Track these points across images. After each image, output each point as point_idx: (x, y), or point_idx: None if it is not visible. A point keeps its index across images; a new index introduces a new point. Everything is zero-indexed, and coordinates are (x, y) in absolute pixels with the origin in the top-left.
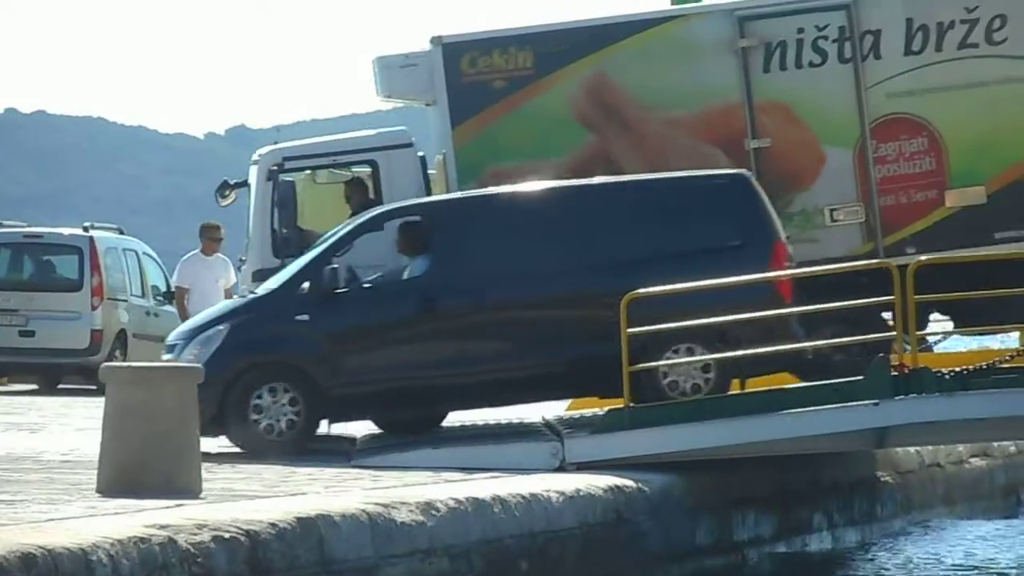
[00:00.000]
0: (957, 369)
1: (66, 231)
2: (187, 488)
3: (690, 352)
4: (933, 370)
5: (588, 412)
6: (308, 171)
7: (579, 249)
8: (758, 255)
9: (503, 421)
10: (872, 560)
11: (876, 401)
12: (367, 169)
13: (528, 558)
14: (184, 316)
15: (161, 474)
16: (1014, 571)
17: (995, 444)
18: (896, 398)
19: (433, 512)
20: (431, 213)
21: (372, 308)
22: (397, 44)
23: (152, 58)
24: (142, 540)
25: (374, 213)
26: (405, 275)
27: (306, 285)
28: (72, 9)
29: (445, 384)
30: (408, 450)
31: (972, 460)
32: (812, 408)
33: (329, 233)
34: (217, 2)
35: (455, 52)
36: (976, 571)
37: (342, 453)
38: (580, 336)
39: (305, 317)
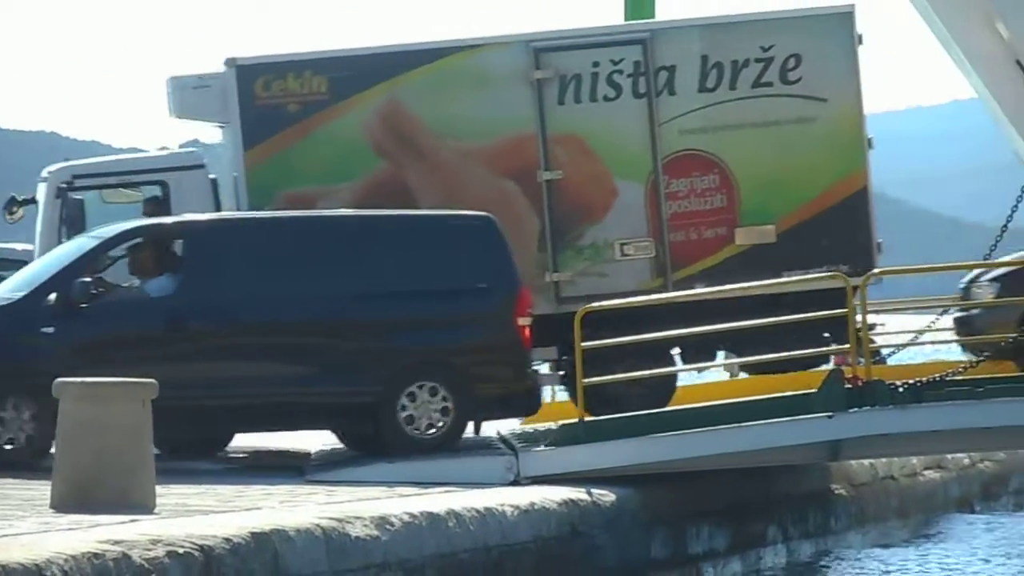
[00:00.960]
0: (911, 381)
1: (19, 247)
2: (141, 503)
3: (433, 391)
4: (887, 382)
5: (543, 426)
6: (98, 189)
7: (326, 278)
8: (505, 300)
9: None
10: (828, 572)
11: (830, 414)
12: (159, 190)
13: (483, 572)
14: None
15: (115, 489)
16: None
17: (949, 456)
18: (850, 411)
19: (388, 526)
20: (183, 232)
21: (119, 324)
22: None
23: (106, 72)
24: (96, 556)
25: (122, 228)
26: (154, 293)
27: (52, 297)
28: (23, 25)
29: (190, 406)
30: (363, 465)
31: (926, 473)
32: (767, 421)
33: (75, 246)
34: (171, 17)
35: (249, 75)
36: None
37: (297, 468)
38: (318, 367)
39: (50, 329)
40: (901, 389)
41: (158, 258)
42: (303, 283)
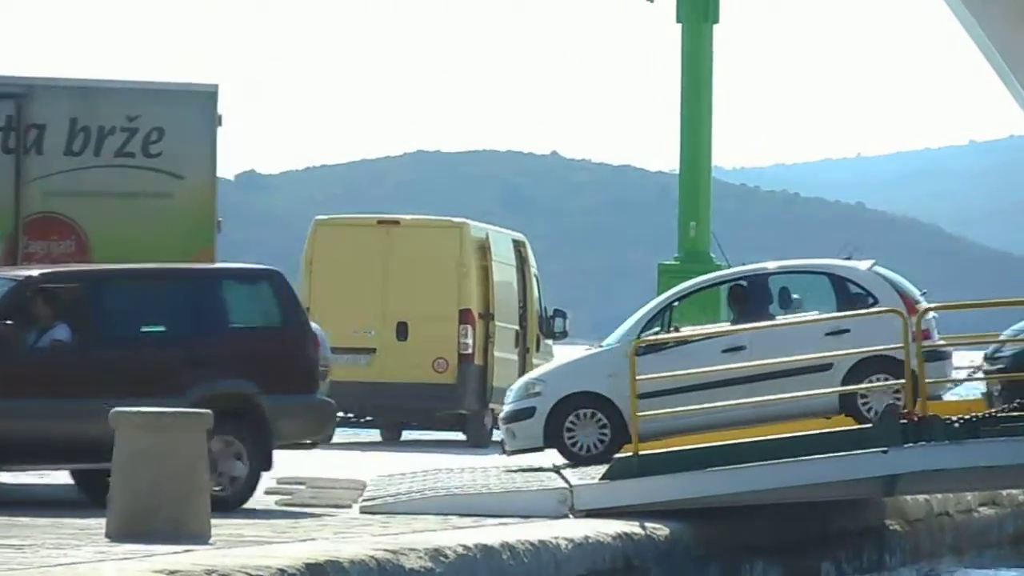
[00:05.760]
0: (966, 417)
1: None
2: (196, 533)
3: None
4: (942, 418)
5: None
6: None
7: None
8: None
9: (513, 467)
10: None
11: (885, 449)
12: None
13: None
14: None
15: (170, 519)
16: None
17: (1004, 493)
18: (905, 446)
19: (442, 559)
20: None
21: None
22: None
23: None
24: None
25: None
26: None
27: None
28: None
29: None
30: (417, 497)
31: (980, 509)
32: (822, 456)
33: None
34: (230, 49)
35: None
36: None
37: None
38: None
39: None
40: (957, 424)
41: None
42: None
